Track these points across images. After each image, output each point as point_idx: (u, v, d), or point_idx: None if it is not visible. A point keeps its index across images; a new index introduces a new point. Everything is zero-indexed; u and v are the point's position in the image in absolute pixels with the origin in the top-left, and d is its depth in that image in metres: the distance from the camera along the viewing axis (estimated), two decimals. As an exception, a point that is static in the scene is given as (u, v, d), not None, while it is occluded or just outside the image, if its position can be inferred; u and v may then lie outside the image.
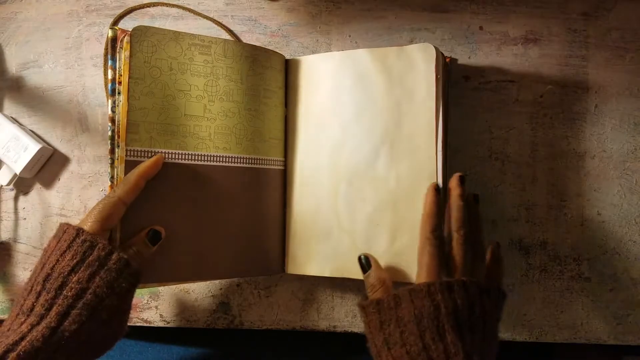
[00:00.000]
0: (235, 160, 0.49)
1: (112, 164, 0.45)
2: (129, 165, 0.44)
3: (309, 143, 0.51)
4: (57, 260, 0.37)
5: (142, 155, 0.45)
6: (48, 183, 0.56)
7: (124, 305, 0.40)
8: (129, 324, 0.42)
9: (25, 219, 0.56)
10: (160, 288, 0.55)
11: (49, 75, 0.56)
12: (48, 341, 0.34)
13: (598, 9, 0.53)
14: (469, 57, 0.54)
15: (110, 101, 0.45)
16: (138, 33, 0.45)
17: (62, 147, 0.56)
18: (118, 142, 0.45)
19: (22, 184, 0.56)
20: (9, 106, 0.57)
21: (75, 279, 0.36)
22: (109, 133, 0.45)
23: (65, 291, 0.36)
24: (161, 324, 0.55)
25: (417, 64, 0.47)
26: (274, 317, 0.55)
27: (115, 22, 0.56)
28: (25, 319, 0.36)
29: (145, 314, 0.55)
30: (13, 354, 0.33)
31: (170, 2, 0.56)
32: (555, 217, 0.53)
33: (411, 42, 0.54)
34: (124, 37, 0.45)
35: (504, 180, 0.53)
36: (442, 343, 0.36)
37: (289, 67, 0.52)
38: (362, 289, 0.54)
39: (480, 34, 0.54)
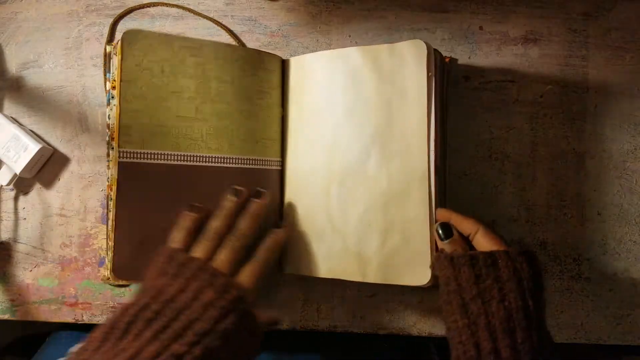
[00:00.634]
0: (228, 161, 0.50)
1: (108, 166, 0.47)
2: (122, 167, 0.46)
3: (303, 143, 0.51)
4: (220, 318, 0.38)
5: (135, 156, 0.46)
6: (48, 183, 0.56)
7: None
8: None
9: (25, 219, 0.56)
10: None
11: (49, 75, 0.56)
12: None
13: (598, 9, 0.53)
14: (469, 57, 0.54)
15: (107, 109, 0.47)
16: (129, 37, 0.46)
17: (62, 147, 0.56)
18: (112, 145, 0.46)
19: (22, 184, 0.56)
20: (9, 106, 0.57)
21: (232, 342, 0.38)
22: (107, 138, 0.47)
23: (221, 353, 0.37)
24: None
25: (408, 61, 0.46)
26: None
27: (115, 22, 0.56)
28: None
29: (145, 314, 0.55)
30: None
31: (170, 2, 0.56)
32: (555, 217, 0.53)
33: (411, 42, 0.54)
34: (117, 43, 0.46)
35: (504, 180, 0.53)
36: (538, 305, 0.39)
37: (285, 68, 0.52)
38: (363, 289, 0.54)
39: (480, 34, 0.54)
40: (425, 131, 0.46)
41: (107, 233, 0.50)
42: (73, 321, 0.55)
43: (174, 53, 0.47)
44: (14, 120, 0.56)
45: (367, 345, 0.61)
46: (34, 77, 0.56)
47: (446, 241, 0.44)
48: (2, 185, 0.55)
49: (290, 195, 0.51)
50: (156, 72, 0.47)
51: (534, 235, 0.53)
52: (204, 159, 0.49)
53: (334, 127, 0.49)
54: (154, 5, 0.56)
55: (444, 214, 0.46)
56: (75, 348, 0.37)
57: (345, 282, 0.54)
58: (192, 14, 0.56)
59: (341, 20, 0.55)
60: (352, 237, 0.48)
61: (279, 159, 0.52)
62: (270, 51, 0.55)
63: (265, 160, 0.51)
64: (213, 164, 0.49)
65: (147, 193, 0.47)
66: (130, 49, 0.46)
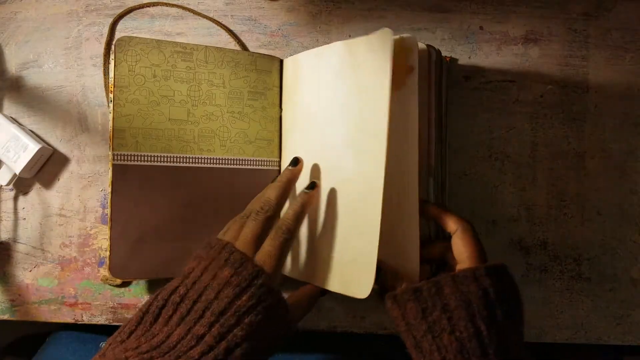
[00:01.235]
0: (221, 162, 0.51)
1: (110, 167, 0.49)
2: (117, 169, 0.48)
3: (296, 144, 0.51)
4: (235, 296, 0.37)
5: (129, 159, 0.48)
6: (48, 183, 0.56)
7: (275, 349, 0.40)
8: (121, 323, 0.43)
9: (25, 219, 0.56)
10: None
11: (49, 75, 0.56)
12: None
13: (598, 9, 0.53)
14: (469, 57, 0.54)
15: (109, 111, 0.49)
16: (122, 43, 0.48)
17: (62, 147, 0.56)
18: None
19: (21, 184, 0.56)
20: (8, 106, 0.57)
21: (247, 321, 0.36)
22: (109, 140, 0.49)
23: (236, 330, 0.36)
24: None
25: (375, 53, 0.42)
26: (274, 317, 0.55)
27: (115, 22, 0.56)
28: (196, 345, 0.35)
29: (145, 314, 0.55)
30: None
31: (170, 2, 0.56)
32: (555, 217, 0.53)
33: (411, 42, 0.54)
34: (112, 49, 0.48)
35: (504, 180, 0.53)
36: (495, 327, 0.36)
37: (282, 68, 0.53)
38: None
39: (480, 34, 0.54)
40: (385, 132, 0.40)
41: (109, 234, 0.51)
42: (73, 321, 0.55)
43: (166, 58, 0.49)
44: (14, 120, 0.56)
45: (367, 345, 0.61)
46: (34, 77, 0.56)
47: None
48: (1, 185, 0.55)
49: None
50: (148, 77, 0.49)
51: (534, 235, 0.53)
52: (196, 160, 0.50)
53: (321, 127, 0.47)
54: (153, 5, 0.56)
55: (434, 212, 0.45)
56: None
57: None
58: (192, 14, 0.56)
59: (341, 20, 0.55)
60: (310, 242, 0.47)
61: (277, 159, 0.52)
62: (270, 51, 0.55)
63: (261, 161, 0.52)
64: (205, 165, 0.50)
65: (142, 194, 0.48)
66: (123, 55, 0.48)
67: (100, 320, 0.55)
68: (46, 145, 0.55)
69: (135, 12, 0.56)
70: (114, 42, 0.48)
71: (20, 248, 0.56)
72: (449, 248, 0.44)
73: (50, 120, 0.56)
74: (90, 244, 0.55)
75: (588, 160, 0.53)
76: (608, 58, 0.53)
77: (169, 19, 0.56)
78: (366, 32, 0.54)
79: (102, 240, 0.55)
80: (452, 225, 0.43)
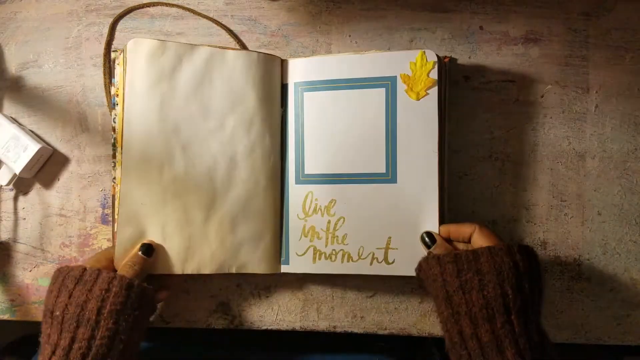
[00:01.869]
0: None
1: (114, 167, 0.50)
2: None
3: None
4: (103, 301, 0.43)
5: None
6: (48, 183, 0.56)
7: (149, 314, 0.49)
8: None
9: (25, 219, 0.56)
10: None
11: (49, 75, 0.56)
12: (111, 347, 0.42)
13: (598, 9, 0.53)
14: (469, 57, 0.54)
15: (112, 113, 0.50)
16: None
17: (62, 147, 0.56)
18: (117, 147, 0.49)
19: (21, 184, 0.56)
20: (8, 106, 0.57)
21: (122, 319, 0.44)
22: (112, 140, 0.50)
23: (116, 325, 0.43)
24: (161, 324, 0.55)
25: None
26: (274, 317, 0.55)
27: (115, 22, 0.56)
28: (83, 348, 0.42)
29: (145, 314, 0.55)
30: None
31: (170, 2, 0.56)
32: (555, 217, 0.53)
33: (411, 42, 0.54)
34: (120, 54, 0.50)
35: (504, 180, 0.53)
36: (520, 294, 0.41)
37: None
38: (363, 289, 0.54)
39: (480, 34, 0.54)
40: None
41: (112, 233, 0.51)
42: (73, 321, 0.55)
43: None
44: (14, 120, 0.56)
45: (367, 346, 0.61)
46: (34, 77, 0.56)
47: (432, 248, 0.47)
48: (1, 185, 0.55)
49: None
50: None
51: (534, 235, 0.53)
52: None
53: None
54: (153, 5, 0.56)
55: (443, 231, 0.48)
56: None
57: (346, 282, 0.54)
58: (191, 14, 0.56)
59: (341, 20, 0.55)
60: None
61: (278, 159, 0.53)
62: (270, 51, 0.55)
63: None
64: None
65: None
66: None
67: (100, 320, 0.55)
68: (46, 145, 0.55)
69: (135, 12, 0.56)
70: (125, 46, 0.49)
71: (20, 248, 0.56)
72: (470, 248, 0.46)
73: (50, 120, 0.56)
74: (90, 244, 0.55)
75: (588, 160, 0.53)
76: (608, 58, 0.53)
77: (169, 19, 0.56)
78: (366, 32, 0.55)
79: (102, 240, 0.55)
80: (467, 229, 0.46)
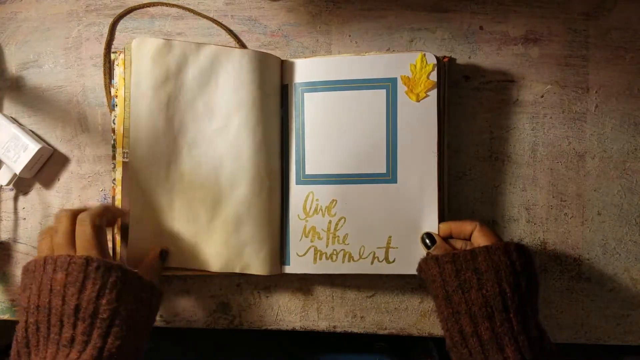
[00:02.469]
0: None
1: (113, 168, 0.50)
2: (126, 167, 0.49)
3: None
4: (80, 290, 0.39)
5: None
6: (48, 183, 0.56)
7: (152, 315, 0.45)
8: None
9: (25, 219, 0.56)
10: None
11: (49, 75, 0.56)
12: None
13: (598, 9, 0.53)
14: (469, 57, 0.54)
15: (112, 114, 0.51)
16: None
17: (62, 147, 0.56)
18: (117, 148, 0.50)
19: (21, 184, 0.56)
20: (8, 106, 0.57)
21: (104, 301, 0.39)
22: (112, 142, 0.51)
23: (100, 314, 0.39)
24: (161, 324, 0.55)
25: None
26: (274, 317, 0.55)
27: (115, 22, 0.56)
28: (71, 350, 0.38)
29: (145, 314, 0.55)
30: None
31: (170, 2, 0.56)
32: (555, 217, 0.53)
33: (411, 42, 0.54)
34: (119, 55, 0.50)
35: (504, 180, 0.53)
36: (518, 292, 0.42)
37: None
38: (363, 289, 0.54)
39: (480, 34, 0.54)
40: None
41: (112, 233, 0.51)
42: (73, 321, 0.55)
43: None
44: (14, 120, 0.56)
45: (367, 345, 0.61)
46: (34, 77, 0.56)
47: (432, 249, 0.47)
48: (1, 185, 0.55)
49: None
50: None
51: (534, 235, 0.53)
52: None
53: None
54: (153, 5, 0.56)
55: (444, 228, 0.48)
56: None
57: (346, 282, 0.54)
58: (192, 14, 0.56)
59: (341, 20, 0.55)
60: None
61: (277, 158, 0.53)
62: (270, 51, 0.55)
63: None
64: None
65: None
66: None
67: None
68: (46, 145, 0.55)
69: (135, 12, 0.56)
70: (126, 45, 0.49)
71: (20, 248, 0.56)
72: (470, 245, 0.47)
73: (50, 120, 0.56)
74: (90, 244, 0.55)
75: (588, 160, 0.53)
76: (608, 58, 0.53)
77: (169, 19, 0.56)
78: (366, 32, 0.55)
79: (102, 240, 0.55)
80: (468, 226, 0.47)
